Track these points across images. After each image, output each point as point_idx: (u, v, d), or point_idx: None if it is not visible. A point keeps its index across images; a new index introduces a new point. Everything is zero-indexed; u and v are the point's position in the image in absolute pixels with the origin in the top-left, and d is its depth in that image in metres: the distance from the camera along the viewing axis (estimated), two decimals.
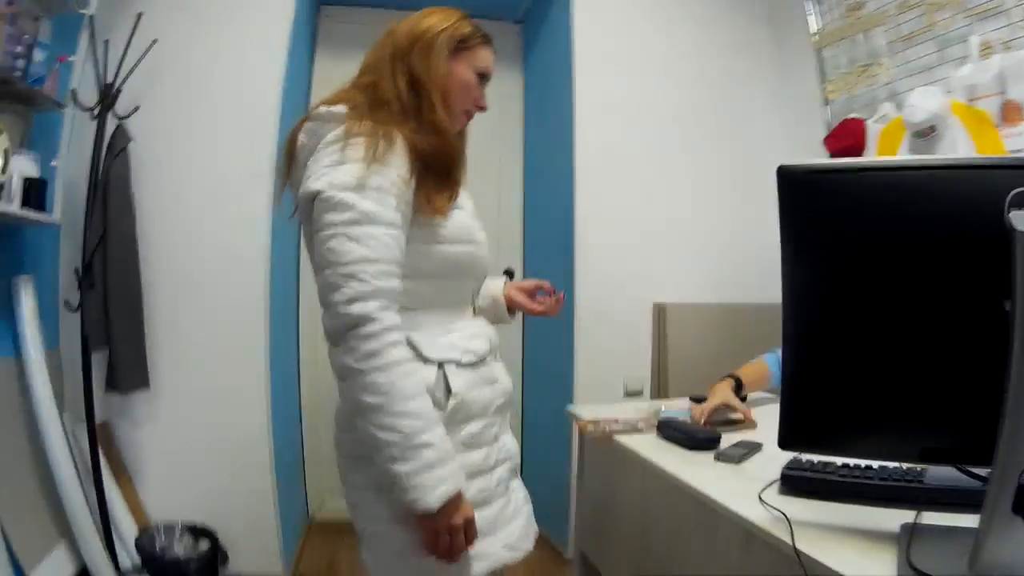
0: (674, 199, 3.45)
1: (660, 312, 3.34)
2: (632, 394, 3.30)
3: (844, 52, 3.15)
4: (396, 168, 1.34)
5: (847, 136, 2.95)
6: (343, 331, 1.24)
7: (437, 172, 1.44)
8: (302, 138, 1.45)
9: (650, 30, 3.49)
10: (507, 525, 1.49)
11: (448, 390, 1.40)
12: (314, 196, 1.32)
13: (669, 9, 3.52)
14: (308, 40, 3.86)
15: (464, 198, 1.56)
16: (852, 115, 3.01)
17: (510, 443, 1.60)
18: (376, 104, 1.44)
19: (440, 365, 1.41)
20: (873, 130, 2.88)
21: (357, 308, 1.23)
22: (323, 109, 1.42)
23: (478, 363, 1.50)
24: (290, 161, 1.51)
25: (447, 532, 1.28)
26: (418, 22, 1.53)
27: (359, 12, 4.07)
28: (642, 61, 3.46)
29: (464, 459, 1.39)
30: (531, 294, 1.91)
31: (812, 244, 1.15)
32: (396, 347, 1.25)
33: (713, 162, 3.52)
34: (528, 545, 1.55)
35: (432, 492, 1.23)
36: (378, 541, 1.42)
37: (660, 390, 3.28)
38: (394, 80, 1.47)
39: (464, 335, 1.50)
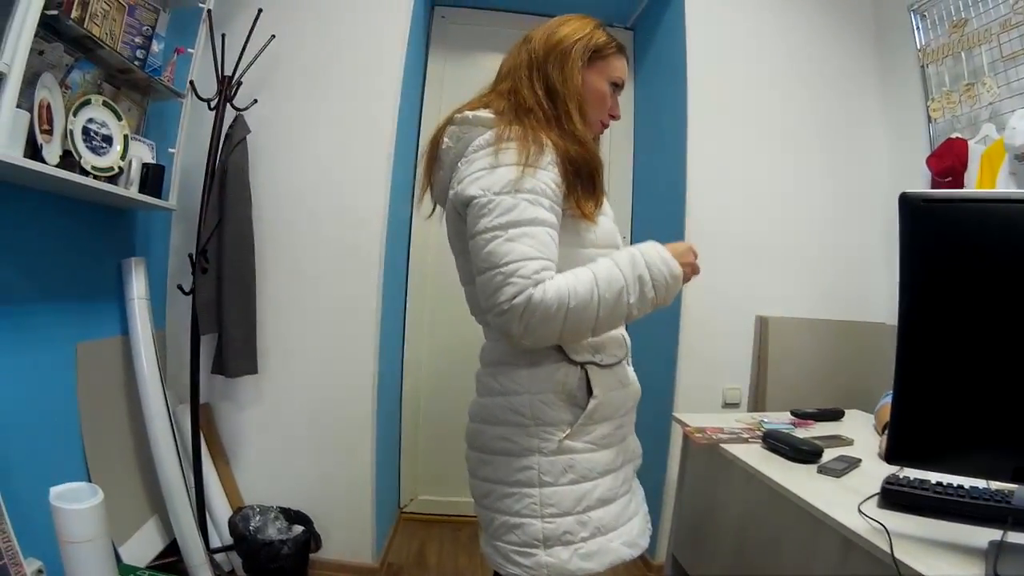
0: (779, 212, 3.54)
1: (763, 325, 3.44)
2: (730, 405, 3.40)
3: (947, 70, 3.22)
4: (549, 172, 1.42)
5: (950, 156, 3.01)
6: (515, 325, 1.34)
7: (584, 179, 1.51)
8: (447, 141, 1.56)
9: (761, 43, 3.57)
10: (628, 523, 1.60)
11: (589, 391, 1.53)
12: (469, 201, 1.41)
13: (779, 21, 3.59)
14: (422, 39, 4.03)
15: (606, 204, 1.63)
16: (955, 135, 3.06)
17: (635, 444, 1.74)
18: (520, 110, 1.53)
19: (582, 366, 1.54)
20: (975, 151, 2.94)
21: (520, 300, 1.31)
22: (469, 114, 1.53)
23: (615, 365, 1.62)
24: (432, 164, 1.65)
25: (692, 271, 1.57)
26: (554, 31, 1.62)
27: (471, 13, 4.23)
28: (752, 72, 3.54)
29: (595, 458, 1.55)
30: None
31: (928, 268, 1.28)
32: (553, 291, 1.33)
33: (818, 177, 3.59)
34: (645, 543, 1.67)
35: (664, 284, 1.47)
36: (505, 532, 1.54)
37: (758, 403, 3.37)
38: (533, 88, 1.56)
39: (605, 336, 1.59)
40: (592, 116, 1.66)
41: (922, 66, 3.36)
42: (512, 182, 1.39)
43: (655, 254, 1.42)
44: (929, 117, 3.31)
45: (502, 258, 1.34)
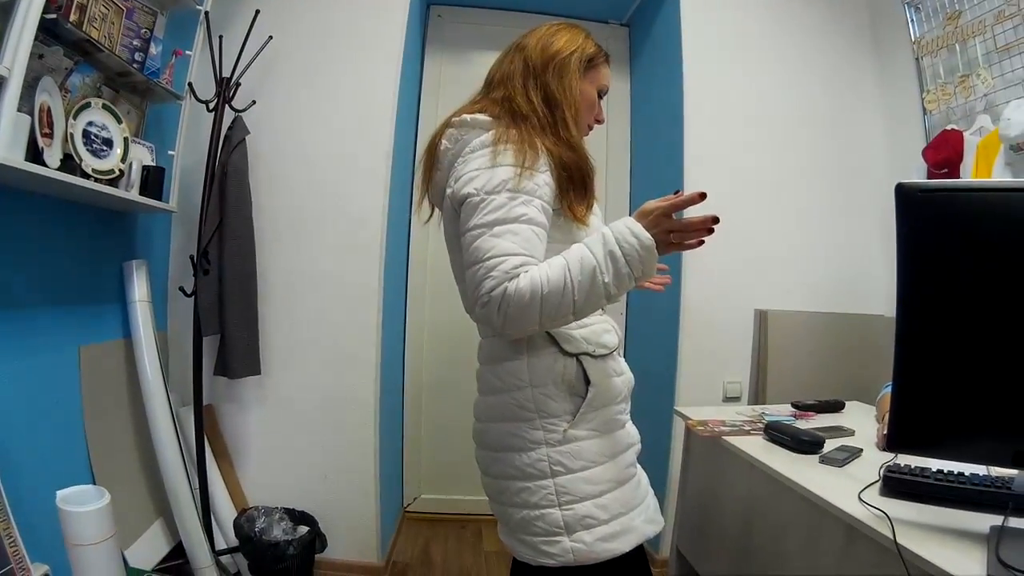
0: (776, 205, 3.58)
1: (762, 318, 3.47)
2: (730, 399, 3.43)
3: (942, 62, 3.24)
4: (543, 174, 1.48)
5: (946, 148, 3.03)
6: (495, 316, 1.38)
7: (576, 184, 1.57)
8: (445, 144, 1.62)
9: (756, 37, 3.60)
10: (643, 502, 1.67)
11: (587, 380, 1.58)
12: (464, 199, 1.47)
13: (774, 15, 3.62)
14: (419, 39, 4.08)
15: (596, 206, 1.69)
16: (950, 126, 3.09)
17: (633, 429, 1.76)
18: (515, 116, 1.59)
19: (577, 358, 1.59)
20: (971, 142, 2.95)
21: (497, 292, 1.36)
22: (467, 116, 1.60)
23: (607, 356, 1.66)
24: (430, 166, 1.70)
25: (673, 232, 1.44)
26: (549, 41, 1.69)
27: (467, 12, 4.29)
28: (748, 67, 3.57)
29: (600, 444, 1.59)
30: None
31: (926, 258, 1.29)
32: (527, 281, 1.36)
33: (815, 169, 3.62)
34: (661, 520, 1.72)
35: (636, 256, 1.39)
36: (528, 525, 1.56)
37: (758, 396, 3.40)
38: (528, 96, 1.62)
39: (596, 329, 1.65)
40: (583, 122, 1.73)
41: (917, 58, 3.39)
42: (505, 182, 1.44)
43: (624, 229, 1.41)
44: (924, 109, 3.35)
45: (485, 253, 1.40)
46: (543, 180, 1.48)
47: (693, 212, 1.43)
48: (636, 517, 1.60)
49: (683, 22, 3.47)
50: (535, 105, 1.61)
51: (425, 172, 1.73)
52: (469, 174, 1.49)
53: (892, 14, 3.56)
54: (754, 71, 3.58)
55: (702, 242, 1.47)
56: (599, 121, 1.81)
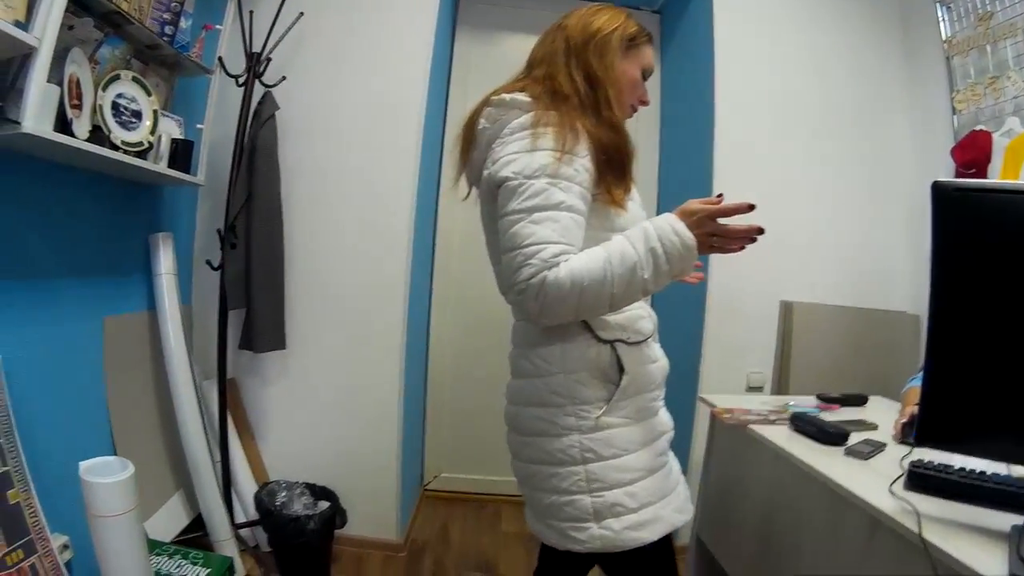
0: (804, 198, 3.55)
1: (787, 310, 3.45)
2: (753, 389, 3.42)
3: (972, 62, 3.22)
4: (582, 159, 1.46)
5: (974, 148, 3.02)
6: (531, 304, 1.38)
7: (615, 166, 1.55)
8: (483, 122, 1.59)
9: (787, 31, 3.57)
10: (672, 491, 1.65)
11: (621, 368, 1.57)
12: (502, 183, 1.45)
13: (806, 10, 3.60)
14: (450, 20, 4.06)
15: (634, 191, 1.66)
16: (979, 127, 3.07)
17: (666, 416, 1.76)
18: (556, 96, 1.56)
19: (612, 344, 1.58)
20: (999, 144, 2.94)
21: (536, 280, 1.35)
22: (507, 96, 1.56)
23: (642, 342, 1.65)
24: (467, 144, 1.69)
25: (715, 235, 1.46)
26: (590, 20, 1.66)
27: None
28: (778, 60, 3.54)
29: (632, 432, 1.58)
30: None
31: (959, 256, 1.28)
32: (566, 272, 1.36)
33: (843, 164, 3.59)
34: (691, 508, 1.71)
35: (677, 255, 1.41)
36: (557, 511, 1.57)
37: (781, 387, 3.39)
38: (570, 75, 1.59)
39: (631, 315, 1.63)
40: (626, 102, 1.71)
41: (947, 58, 3.36)
42: (545, 167, 1.42)
43: (667, 226, 1.42)
44: (954, 108, 3.31)
45: (524, 240, 1.38)
46: (582, 165, 1.46)
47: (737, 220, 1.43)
48: (666, 506, 1.60)
49: (715, 11, 3.45)
50: (577, 84, 1.59)
51: (462, 150, 1.72)
52: (507, 157, 1.48)
53: (924, 12, 3.53)
54: (785, 62, 3.56)
55: (743, 247, 1.48)
56: (644, 102, 1.78)
